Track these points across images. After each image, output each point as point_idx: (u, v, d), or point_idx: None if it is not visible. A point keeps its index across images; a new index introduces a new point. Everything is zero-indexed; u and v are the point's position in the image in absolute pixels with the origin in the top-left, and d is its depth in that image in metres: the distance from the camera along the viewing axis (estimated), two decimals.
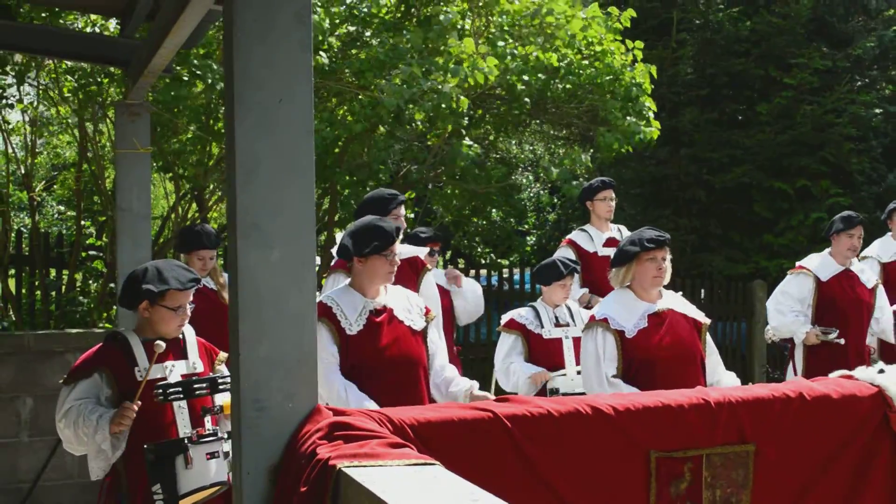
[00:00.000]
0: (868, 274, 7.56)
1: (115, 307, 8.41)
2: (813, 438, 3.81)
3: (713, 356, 5.30)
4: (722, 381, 5.23)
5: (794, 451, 3.79)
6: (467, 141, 9.59)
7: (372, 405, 4.53)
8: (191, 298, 4.58)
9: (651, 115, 9.87)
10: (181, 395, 4.25)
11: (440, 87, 8.04)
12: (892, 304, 7.30)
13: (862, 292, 7.42)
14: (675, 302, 5.32)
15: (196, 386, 4.27)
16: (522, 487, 3.39)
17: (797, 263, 7.64)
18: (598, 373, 5.11)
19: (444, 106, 8.13)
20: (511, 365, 6.41)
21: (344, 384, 4.66)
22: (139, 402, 4.23)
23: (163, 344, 4.36)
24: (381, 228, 4.84)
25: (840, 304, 7.32)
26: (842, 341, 7.17)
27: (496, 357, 6.60)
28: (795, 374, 7.40)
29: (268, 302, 3.04)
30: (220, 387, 4.30)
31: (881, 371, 4.02)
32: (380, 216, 5.19)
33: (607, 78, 9.58)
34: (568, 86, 9.64)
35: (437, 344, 5.09)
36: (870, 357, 7.50)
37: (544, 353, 6.39)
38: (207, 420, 4.29)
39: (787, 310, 7.41)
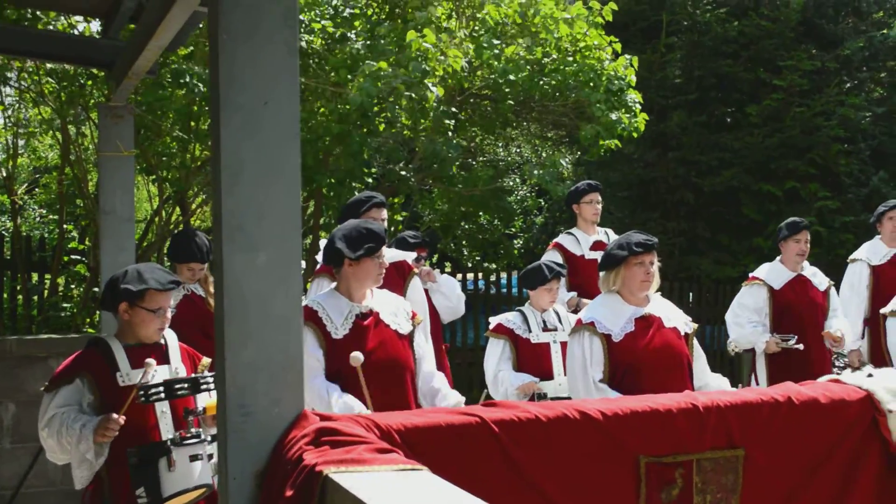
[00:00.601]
0: (820, 277, 7.73)
1: (98, 312, 8.36)
2: (801, 442, 3.80)
3: (700, 360, 5.29)
4: (710, 385, 5.22)
5: (782, 456, 3.78)
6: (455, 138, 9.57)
7: (355, 402, 4.51)
8: (171, 302, 4.55)
9: (638, 107, 9.85)
10: (163, 396, 4.23)
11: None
12: (881, 308, 7.31)
13: (815, 295, 7.58)
14: (663, 307, 5.31)
15: (178, 386, 4.26)
16: (510, 493, 3.36)
17: (750, 274, 7.83)
18: (584, 377, 5.09)
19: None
20: (500, 373, 6.37)
21: (326, 386, 4.63)
22: (124, 417, 4.20)
23: (153, 362, 4.34)
24: (373, 230, 4.83)
25: (795, 309, 7.50)
26: (800, 347, 7.28)
27: (486, 363, 6.56)
28: (757, 383, 7.54)
29: (253, 306, 3.01)
30: (202, 387, 4.28)
31: (869, 375, 4.01)
32: (363, 219, 5.18)
33: (591, 74, 9.56)
34: (553, 82, 9.62)
35: (424, 348, 5.07)
36: (832, 359, 7.64)
37: (532, 357, 6.36)
38: (190, 422, 4.27)
39: (745, 321, 7.59)
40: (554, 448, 3.46)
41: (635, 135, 9.81)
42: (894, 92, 15.10)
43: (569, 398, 5.36)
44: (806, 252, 7.61)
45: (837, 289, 7.99)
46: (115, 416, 4.16)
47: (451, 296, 7.51)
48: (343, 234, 4.86)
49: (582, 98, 9.53)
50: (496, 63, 9.11)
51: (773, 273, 7.64)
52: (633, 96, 9.80)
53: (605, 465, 3.57)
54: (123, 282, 4.43)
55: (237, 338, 2.99)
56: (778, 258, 7.70)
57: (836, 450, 3.87)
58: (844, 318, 7.69)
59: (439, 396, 5.00)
